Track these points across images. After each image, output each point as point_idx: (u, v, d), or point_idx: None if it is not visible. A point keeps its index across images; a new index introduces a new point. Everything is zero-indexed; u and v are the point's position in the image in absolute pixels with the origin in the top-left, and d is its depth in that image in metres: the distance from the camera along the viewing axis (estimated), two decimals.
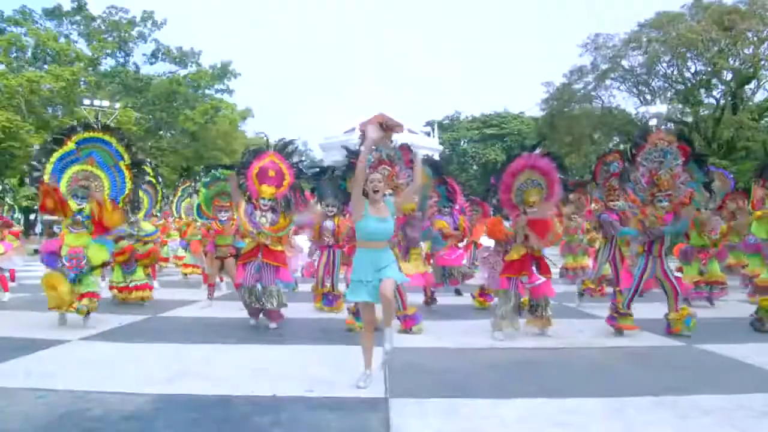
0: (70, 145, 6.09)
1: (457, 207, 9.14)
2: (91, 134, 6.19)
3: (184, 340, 5.62)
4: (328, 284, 7.49)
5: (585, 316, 7.42)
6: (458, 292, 9.52)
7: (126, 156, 6.35)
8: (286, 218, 6.24)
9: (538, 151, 6.19)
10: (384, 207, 4.05)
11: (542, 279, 5.90)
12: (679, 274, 7.53)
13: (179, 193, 12.15)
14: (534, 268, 6.02)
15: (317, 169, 7.72)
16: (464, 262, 8.78)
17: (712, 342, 5.53)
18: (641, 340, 5.80)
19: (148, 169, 7.84)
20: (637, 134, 6.56)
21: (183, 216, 11.57)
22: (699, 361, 4.97)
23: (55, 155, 6.05)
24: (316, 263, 7.87)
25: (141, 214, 8.23)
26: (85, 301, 5.98)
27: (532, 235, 5.90)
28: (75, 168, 6.12)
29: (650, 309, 6.69)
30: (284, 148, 6.45)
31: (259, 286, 6.19)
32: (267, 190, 6.13)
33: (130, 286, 7.75)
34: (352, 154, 6.14)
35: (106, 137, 6.24)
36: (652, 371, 4.63)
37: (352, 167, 6.06)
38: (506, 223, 7.61)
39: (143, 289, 7.82)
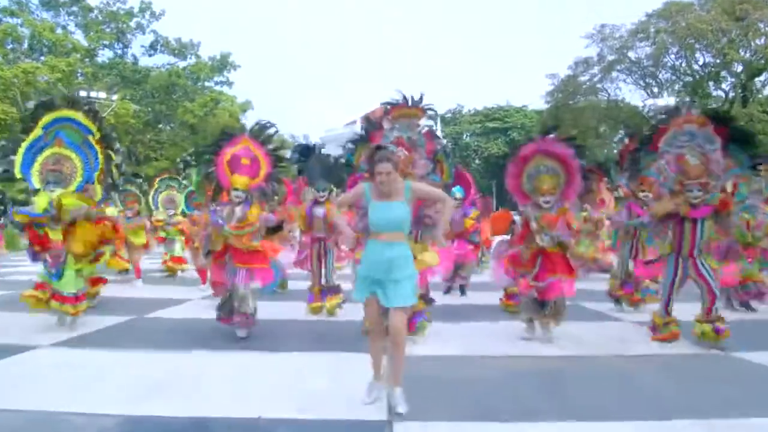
0: (37, 131, 5.58)
1: (468, 199, 8.67)
2: (55, 115, 5.67)
3: (165, 347, 5.08)
4: (324, 280, 6.90)
5: (606, 318, 6.87)
6: (463, 292, 8.97)
7: (95, 129, 5.83)
8: (252, 215, 5.47)
9: (552, 135, 5.60)
10: (397, 188, 3.47)
11: (553, 278, 5.30)
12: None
13: (156, 185, 11.39)
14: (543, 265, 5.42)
15: (304, 147, 7.01)
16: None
17: (753, 350, 4.98)
18: (672, 347, 5.25)
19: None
20: (660, 116, 5.89)
21: (161, 209, 10.85)
22: (742, 374, 4.43)
23: (23, 145, 5.55)
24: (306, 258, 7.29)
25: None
26: (68, 307, 5.55)
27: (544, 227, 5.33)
28: (45, 154, 5.61)
29: (679, 308, 6.15)
30: (260, 133, 5.77)
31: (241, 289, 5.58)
32: (239, 180, 5.45)
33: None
34: (371, 126, 5.55)
35: (71, 114, 5.72)
36: (692, 386, 4.08)
37: (365, 138, 5.49)
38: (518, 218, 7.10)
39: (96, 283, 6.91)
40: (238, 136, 5.74)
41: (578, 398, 3.75)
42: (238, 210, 5.51)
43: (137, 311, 6.80)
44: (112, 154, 7.25)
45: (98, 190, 6.07)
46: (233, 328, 5.47)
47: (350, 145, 5.74)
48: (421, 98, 5.52)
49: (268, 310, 6.16)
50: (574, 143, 5.54)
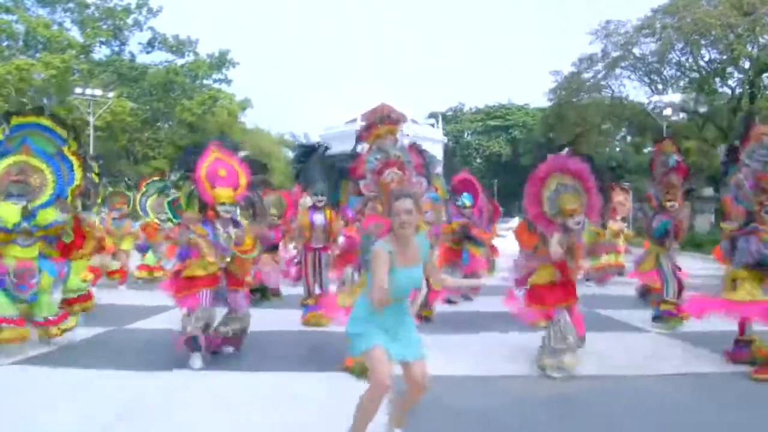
0: None
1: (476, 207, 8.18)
2: (23, 119, 5.05)
3: (139, 365, 4.56)
4: (317, 291, 6.38)
5: (630, 329, 6.31)
6: (468, 298, 8.45)
7: (71, 141, 5.26)
8: (251, 235, 5.00)
9: (565, 151, 5.07)
10: (416, 249, 2.89)
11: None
12: None
13: (143, 189, 10.67)
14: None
15: (302, 148, 6.40)
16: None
17: None
18: (702, 362, 4.73)
19: (92, 164, 6.78)
20: (741, 125, 5.30)
21: (151, 215, 10.17)
22: None
23: None
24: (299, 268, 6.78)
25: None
26: (53, 329, 5.05)
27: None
28: (7, 161, 4.95)
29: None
30: (226, 143, 5.27)
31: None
32: (223, 193, 4.84)
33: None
34: (346, 159, 5.04)
35: (43, 121, 5.10)
36: (743, 416, 3.56)
37: (346, 173, 4.99)
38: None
39: (83, 300, 6.33)
40: (205, 148, 5.14)
41: (606, 428, 3.23)
42: (231, 231, 4.96)
43: (116, 321, 6.28)
44: (94, 167, 6.75)
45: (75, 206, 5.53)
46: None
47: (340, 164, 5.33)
48: (387, 115, 5.02)
49: (259, 320, 5.64)
50: (587, 158, 4.99)
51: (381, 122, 4.89)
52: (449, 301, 7.94)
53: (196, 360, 4.54)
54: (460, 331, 5.99)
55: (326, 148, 6.12)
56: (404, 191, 2.96)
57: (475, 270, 8.10)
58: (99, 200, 7.45)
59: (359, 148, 4.90)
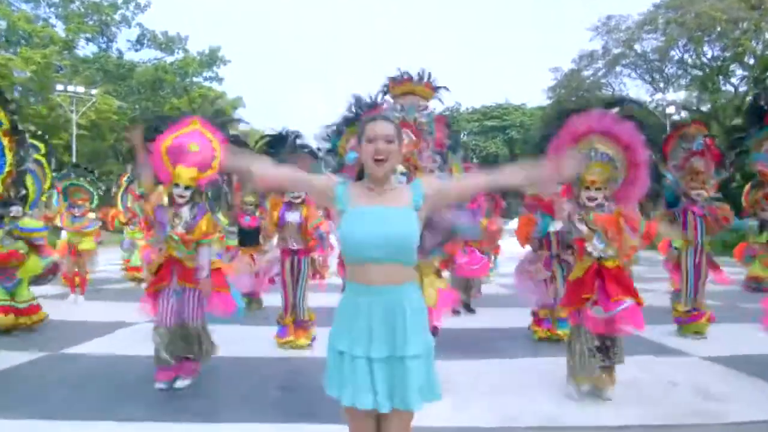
0: None
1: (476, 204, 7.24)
2: None
3: (60, 412, 3.51)
4: (298, 310, 5.37)
5: (668, 352, 5.24)
6: (470, 309, 7.48)
7: (3, 117, 4.31)
8: (210, 221, 4.08)
9: (616, 110, 4.04)
10: (399, 192, 1.98)
11: (624, 304, 3.77)
12: None
13: (124, 182, 9.93)
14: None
15: (275, 135, 5.43)
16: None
17: None
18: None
19: (37, 143, 5.81)
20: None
21: (135, 208, 9.41)
22: None
23: None
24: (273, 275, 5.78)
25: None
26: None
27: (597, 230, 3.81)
28: None
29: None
30: (215, 118, 4.37)
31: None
32: (184, 173, 3.95)
33: (18, 308, 5.59)
34: (363, 104, 4.11)
35: None
36: None
37: (356, 120, 4.05)
38: (553, 223, 5.60)
39: (29, 313, 5.69)
40: (186, 118, 4.26)
41: None
42: (184, 213, 4.02)
43: (55, 344, 5.22)
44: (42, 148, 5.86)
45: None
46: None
47: (334, 128, 4.30)
48: (429, 75, 4.10)
49: (229, 342, 4.65)
50: (644, 125, 4.00)
51: (419, 81, 4.04)
52: (455, 312, 7.07)
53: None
54: (470, 356, 5.00)
55: (297, 136, 5.15)
56: (381, 114, 2.20)
57: (475, 274, 7.23)
58: (46, 187, 6.43)
59: (381, 99, 4.12)
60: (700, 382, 4.26)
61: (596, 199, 3.80)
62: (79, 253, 7.79)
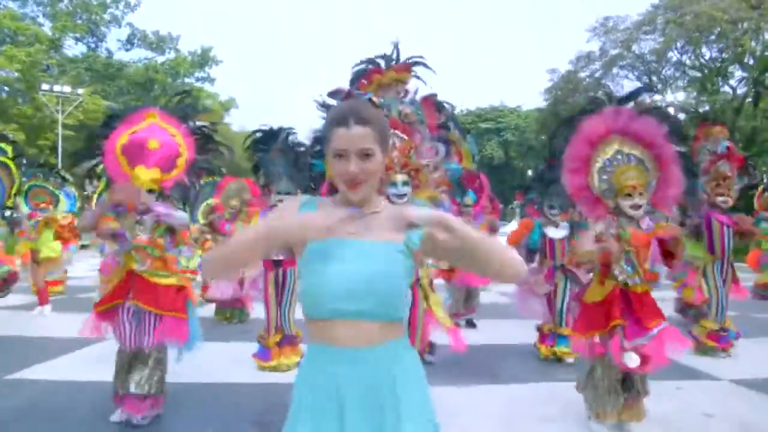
0: None
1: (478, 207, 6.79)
2: None
3: None
4: (284, 327, 4.81)
5: (691, 375, 4.68)
6: (472, 324, 6.93)
7: None
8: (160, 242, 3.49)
9: (630, 105, 3.51)
10: (388, 217, 1.39)
11: (654, 331, 3.22)
12: None
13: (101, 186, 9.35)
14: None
15: (265, 131, 4.75)
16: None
17: None
18: None
19: (4, 145, 5.24)
20: None
21: None
22: None
23: None
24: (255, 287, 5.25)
25: None
26: None
27: (639, 254, 3.27)
28: None
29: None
30: (177, 109, 3.74)
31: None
32: (144, 174, 3.37)
33: None
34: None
35: None
36: None
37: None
38: (556, 231, 5.08)
39: None
40: (142, 109, 3.66)
41: None
42: (148, 219, 3.45)
43: (4, 368, 4.61)
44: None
45: None
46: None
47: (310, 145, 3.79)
48: (398, 54, 3.56)
49: (200, 362, 4.08)
50: (664, 116, 3.46)
51: (388, 66, 3.49)
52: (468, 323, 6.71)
53: None
54: (470, 379, 4.44)
55: (289, 133, 4.58)
56: (353, 105, 1.47)
57: (476, 283, 6.72)
58: (12, 192, 5.82)
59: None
60: (734, 412, 3.74)
61: (641, 206, 3.24)
62: (39, 261, 7.17)
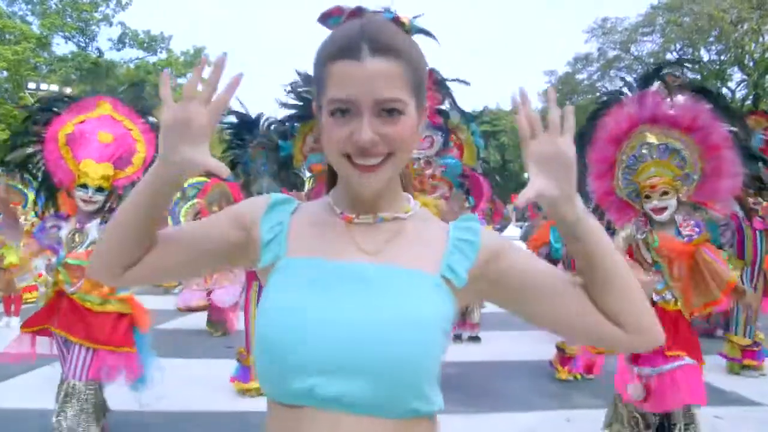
0: None
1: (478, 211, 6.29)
2: None
3: None
4: None
5: (727, 401, 4.13)
6: (475, 337, 6.40)
7: None
8: None
9: (656, 85, 2.89)
10: (419, 230, 0.80)
11: (666, 366, 2.68)
12: None
13: None
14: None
15: (243, 118, 4.15)
16: None
17: None
18: None
19: None
20: None
21: None
22: None
23: None
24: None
25: None
26: None
27: (669, 266, 2.74)
28: None
29: None
30: (135, 100, 3.23)
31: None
32: (95, 170, 2.84)
33: None
34: (307, 82, 2.97)
35: None
36: None
37: (305, 113, 2.96)
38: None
39: None
40: (92, 98, 3.17)
41: None
42: (92, 228, 2.90)
43: None
44: None
45: None
46: None
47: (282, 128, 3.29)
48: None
49: (170, 386, 3.52)
50: (707, 90, 2.93)
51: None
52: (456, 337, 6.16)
53: None
54: (476, 406, 3.91)
55: (271, 123, 4.05)
56: (367, 22, 0.84)
57: None
58: None
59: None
60: None
61: (665, 209, 2.72)
62: (3, 267, 6.60)
